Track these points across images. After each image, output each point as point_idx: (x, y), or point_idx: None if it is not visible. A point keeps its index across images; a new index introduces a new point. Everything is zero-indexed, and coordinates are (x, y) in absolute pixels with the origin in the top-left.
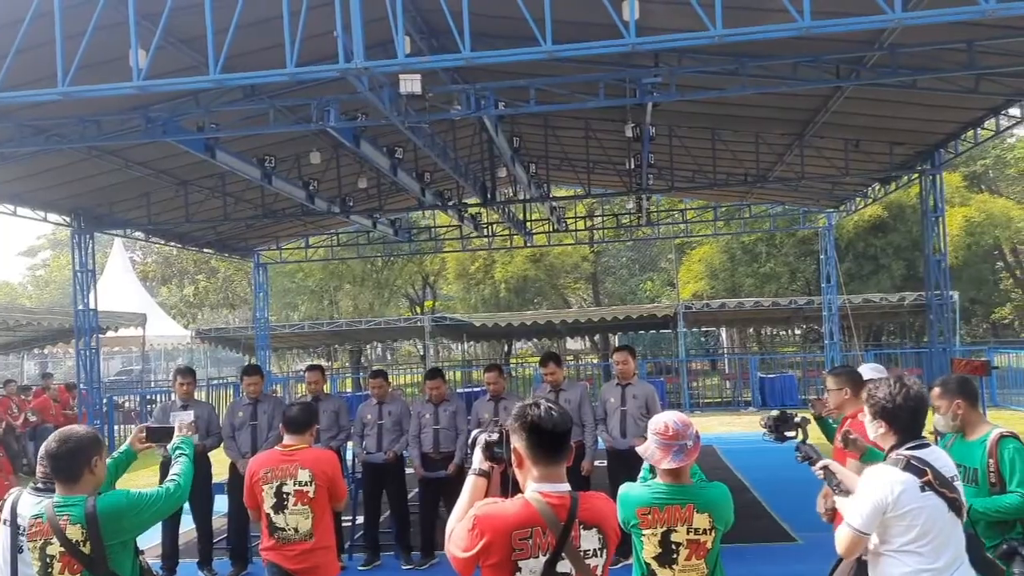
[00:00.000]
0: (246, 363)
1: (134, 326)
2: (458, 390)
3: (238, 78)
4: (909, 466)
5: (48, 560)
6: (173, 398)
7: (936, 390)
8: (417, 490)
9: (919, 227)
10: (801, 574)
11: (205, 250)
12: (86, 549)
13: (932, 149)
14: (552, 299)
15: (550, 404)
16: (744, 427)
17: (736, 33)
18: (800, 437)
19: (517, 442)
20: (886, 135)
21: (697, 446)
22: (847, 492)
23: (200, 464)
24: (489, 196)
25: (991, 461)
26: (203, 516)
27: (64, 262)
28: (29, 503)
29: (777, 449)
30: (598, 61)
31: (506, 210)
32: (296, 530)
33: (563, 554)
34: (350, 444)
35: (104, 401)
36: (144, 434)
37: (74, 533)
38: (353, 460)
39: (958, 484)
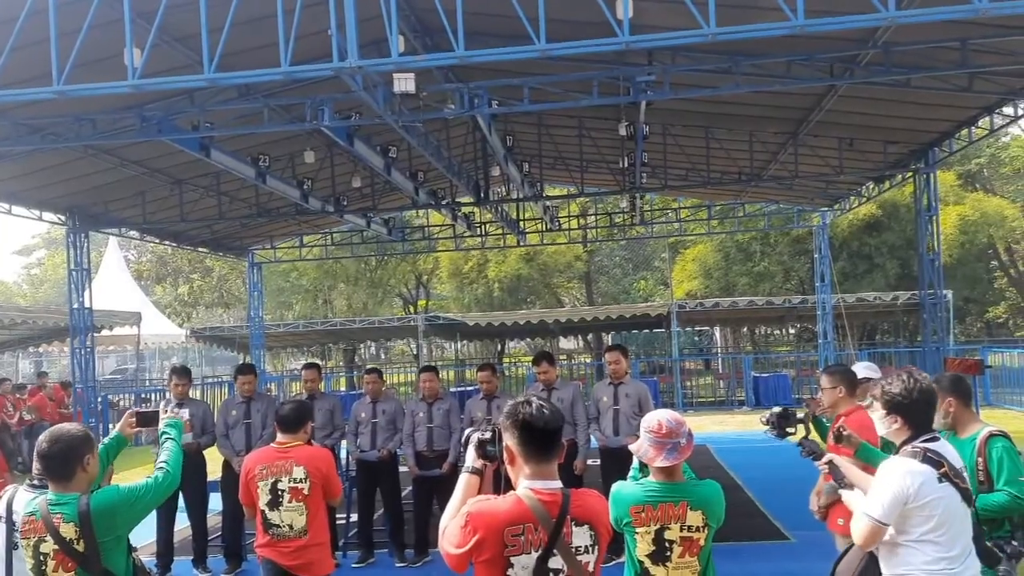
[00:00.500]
0: (241, 362)
1: (129, 325)
2: (451, 389)
3: (232, 77)
4: (926, 458)
5: (41, 558)
6: (168, 396)
7: None
8: (411, 488)
9: (913, 226)
10: (794, 572)
11: (200, 249)
12: (80, 547)
13: (926, 148)
14: (545, 298)
15: (541, 402)
16: (738, 426)
17: (729, 31)
18: (802, 433)
19: (509, 439)
20: (880, 134)
21: (690, 444)
22: (851, 486)
23: (195, 462)
24: (482, 195)
25: (980, 460)
26: (198, 514)
27: (59, 261)
28: (24, 500)
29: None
30: (592, 60)
31: (499, 209)
32: (291, 527)
33: (555, 550)
34: (344, 442)
35: (99, 400)
36: (134, 419)
37: (68, 531)
38: (347, 458)
39: (966, 475)
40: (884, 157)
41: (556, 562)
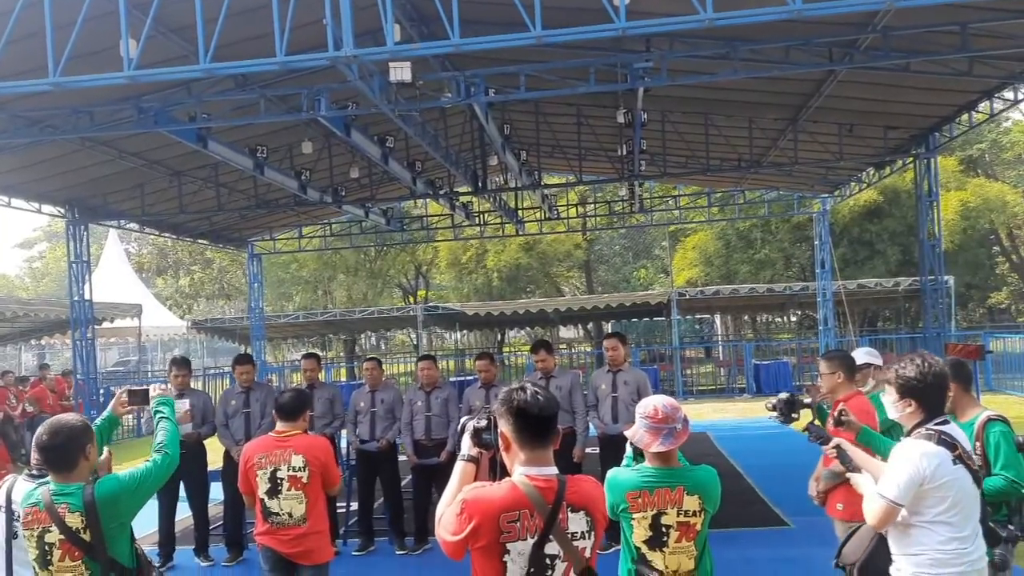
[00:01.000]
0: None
1: (130, 317)
2: (451, 379)
3: (228, 67)
4: (941, 440)
5: (47, 548)
6: (169, 387)
7: None
8: (410, 477)
9: (914, 212)
10: (793, 558)
11: (199, 241)
12: (86, 536)
13: (926, 133)
14: (545, 287)
15: (536, 388)
16: (738, 414)
17: (727, 16)
18: (807, 419)
19: (504, 426)
20: (880, 119)
21: (686, 429)
22: (859, 470)
23: (196, 452)
24: (480, 184)
25: (977, 444)
26: (199, 503)
27: (60, 254)
28: (23, 490)
29: (770, 435)
30: (589, 46)
31: (498, 198)
32: (290, 515)
33: (551, 536)
34: (344, 431)
35: (101, 391)
36: (126, 397)
37: (74, 521)
38: (348, 447)
39: (976, 457)
40: (884, 143)
41: (552, 548)
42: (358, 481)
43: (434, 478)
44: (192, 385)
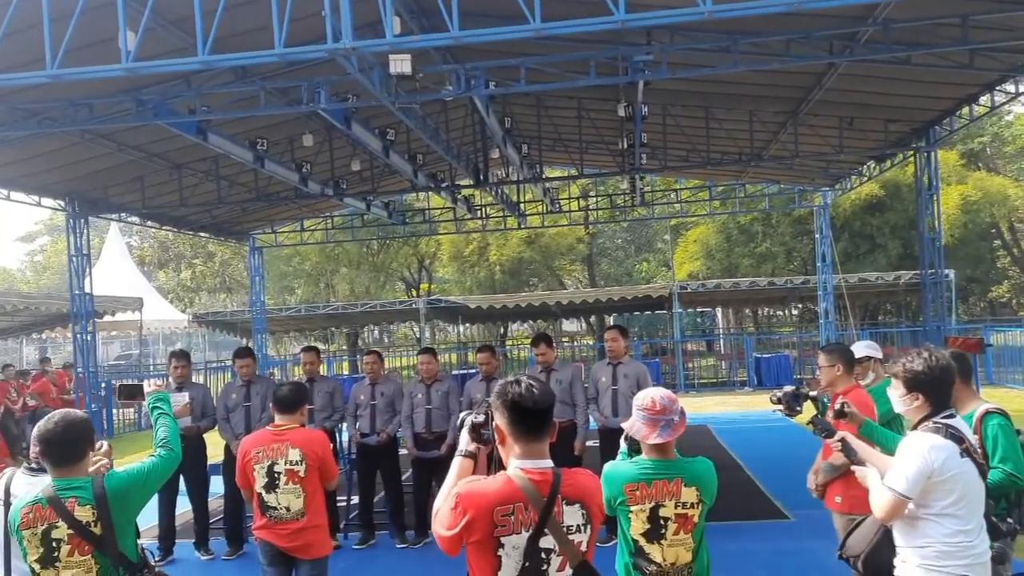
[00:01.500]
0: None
1: (131, 310)
2: (454, 372)
3: (226, 59)
4: (949, 434)
5: (54, 544)
6: (168, 381)
7: None
8: (411, 470)
9: (915, 206)
10: (793, 550)
11: (201, 234)
12: (96, 529)
13: (927, 126)
14: (548, 281)
15: (531, 381)
16: (739, 407)
17: (727, 9)
18: (812, 412)
19: (499, 419)
20: (880, 112)
21: (683, 421)
22: (864, 463)
23: (196, 446)
24: (482, 178)
25: (976, 437)
26: (199, 497)
27: (61, 247)
28: (23, 483)
29: (770, 428)
30: (589, 39)
31: (499, 191)
32: (288, 509)
33: (546, 530)
34: (344, 425)
35: (102, 385)
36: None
37: (84, 514)
38: (349, 441)
39: (998, 452)
40: (885, 136)
41: (547, 542)
42: (358, 475)
43: (434, 471)
44: (194, 379)
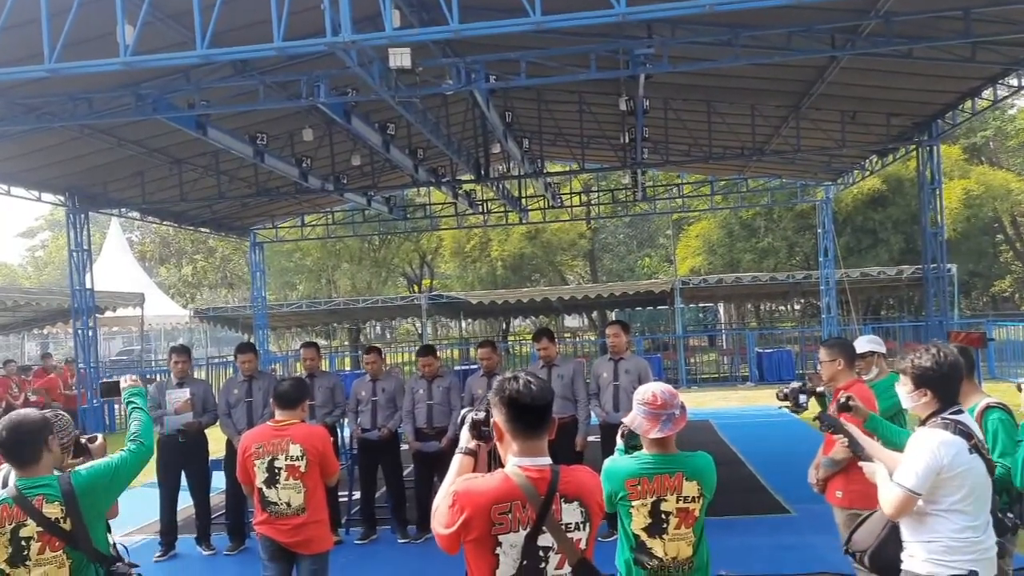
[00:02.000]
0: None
1: (132, 306)
2: (456, 367)
3: (225, 53)
4: (958, 430)
5: (23, 543)
6: (169, 377)
7: None
8: (412, 466)
9: (917, 200)
10: (794, 545)
11: (201, 229)
12: (66, 525)
13: (929, 120)
14: (549, 276)
15: (529, 378)
16: (740, 402)
17: (728, 2)
18: (820, 408)
19: (497, 416)
20: (883, 106)
21: (684, 416)
22: (871, 458)
23: (197, 441)
24: (483, 172)
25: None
26: (201, 493)
27: (62, 243)
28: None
29: (771, 423)
30: (589, 32)
31: (500, 187)
32: (288, 504)
33: (544, 528)
34: (346, 420)
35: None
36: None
37: (52, 511)
38: (350, 437)
39: (998, 447)
40: (887, 130)
41: (546, 540)
42: (360, 470)
43: (435, 466)
44: (195, 374)
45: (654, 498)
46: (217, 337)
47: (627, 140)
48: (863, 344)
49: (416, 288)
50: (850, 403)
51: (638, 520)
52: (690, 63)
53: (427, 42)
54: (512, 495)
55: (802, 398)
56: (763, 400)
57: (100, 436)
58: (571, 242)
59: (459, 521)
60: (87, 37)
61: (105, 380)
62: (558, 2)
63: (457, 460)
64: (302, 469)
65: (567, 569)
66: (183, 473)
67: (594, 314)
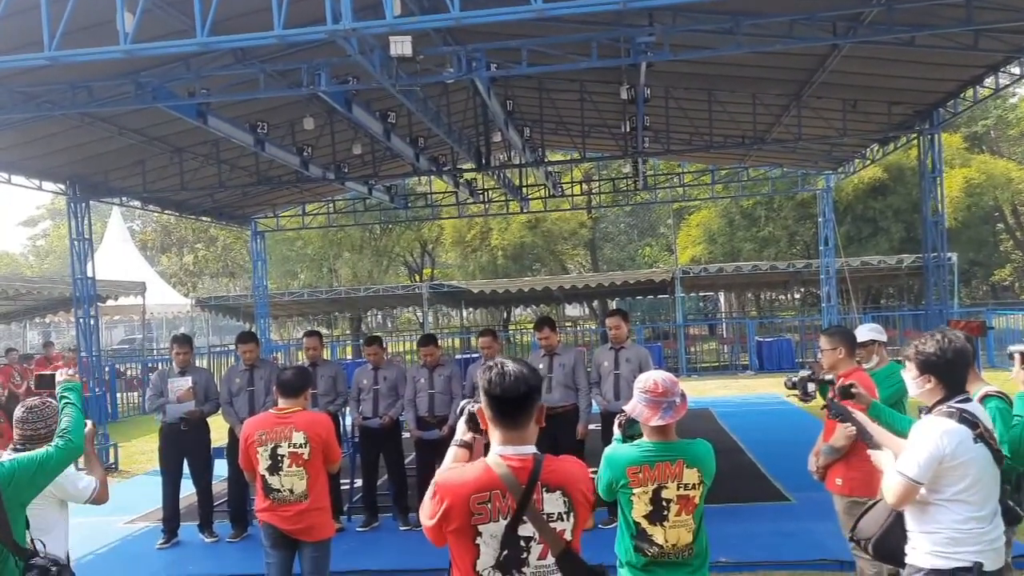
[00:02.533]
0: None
1: (134, 295)
2: (456, 356)
3: (225, 41)
4: (963, 419)
5: None
6: (171, 365)
7: None
8: (414, 454)
9: (918, 189)
10: (794, 532)
11: (202, 218)
12: None
13: (931, 109)
14: (550, 266)
15: (509, 367)
16: (740, 390)
17: None
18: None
19: (483, 405)
20: (884, 95)
21: (684, 403)
22: (880, 447)
23: (199, 430)
24: (484, 161)
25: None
26: (203, 480)
27: (64, 232)
28: None
29: (771, 412)
30: (591, 20)
31: (502, 175)
32: (291, 491)
33: (525, 517)
34: (347, 409)
35: (106, 369)
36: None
37: None
38: (352, 425)
39: (996, 436)
40: (888, 119)
41: (527, 530)
42: (362, 458)
43: (437, 455)
44: (197, 363)
45: (655, 485)
46: (219, 326)
47: (628, 129)
48: (864, 332)
49: (417, 277)
50: (852, 390)
51: (639, 507)
52: (691, 51)
53: (428, 30)
54: (492, 484)
55: (810, 387)
56: (763, 388)
57: (89, 422)
58: (572, 231)
59: (440, 511)
60: (87, 25)
61: (40, 373)
62: None
63: (452, 452)
64: (305, 456)
65: (550, 560)
66: (185, 461)
67: (595, 303)
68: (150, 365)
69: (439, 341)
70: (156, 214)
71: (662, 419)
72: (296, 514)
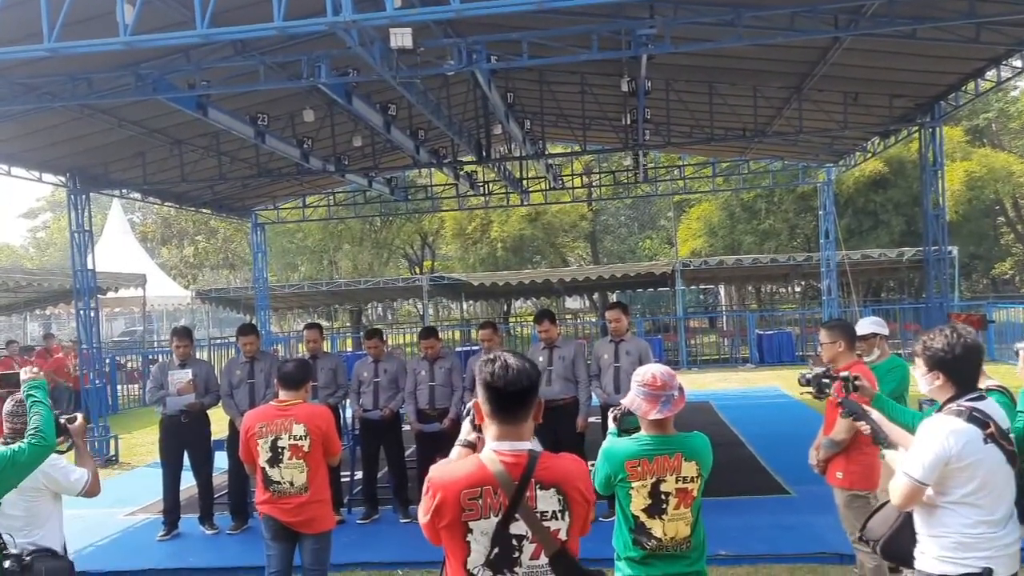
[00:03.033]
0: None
1: (134, 287)
2: (457, 349)
3: (225, 32)
4: (972, 418)
5: None
6: (171, 358)
7: None
8: (414, 446)
9: (919, 182)
10: (794, 525)
11: (202, 210)
12: None
13: (932, 102)
14: (551, 258)
15: (509, 360)
16: (740, 383)
17: None
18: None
19: (479, 398)
20: (885, 87)
21: (682, 397)
22: (895, 445)
23: (199, 422)
24: (484, 154)
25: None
26: (203, 473)
27: (64, 224)
28: None
29: (772, 405)
30: (591, 13)
31: (502, 168)
32: (291, 483)
33: (517, 515)
34: (348, 401)
35: (106, 361)
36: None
37: None
38: (353, 418)
39: (1011, 436)
40: (889, 112)
41: (519, 528)
42: (362, 450)
43: (437, 447)
44: (197, 355)
45: (654, 479)
46: (219, 318)
47: (629, 121)
48: (866, 326)
49: (417, 269)
50: (856, 383)
51: (637, 501)
52: (692, 44)
53: (428, 22)
54: (483, 480)
55: (825, 384)
56: (763, 381)
57: (80, 416)
58: (572, 224)
59: (432, 507)
60: (87, 16)
61: (2, 372)
62: None
63: (455, 451)
64: (305, 449)
65: (543, 560)
66: (186, 453)
67: (595, 296)
68: (150, 357)
69: (439, 333)
70: (156, 206)
71: (660, 412)
72: (296, 506)
